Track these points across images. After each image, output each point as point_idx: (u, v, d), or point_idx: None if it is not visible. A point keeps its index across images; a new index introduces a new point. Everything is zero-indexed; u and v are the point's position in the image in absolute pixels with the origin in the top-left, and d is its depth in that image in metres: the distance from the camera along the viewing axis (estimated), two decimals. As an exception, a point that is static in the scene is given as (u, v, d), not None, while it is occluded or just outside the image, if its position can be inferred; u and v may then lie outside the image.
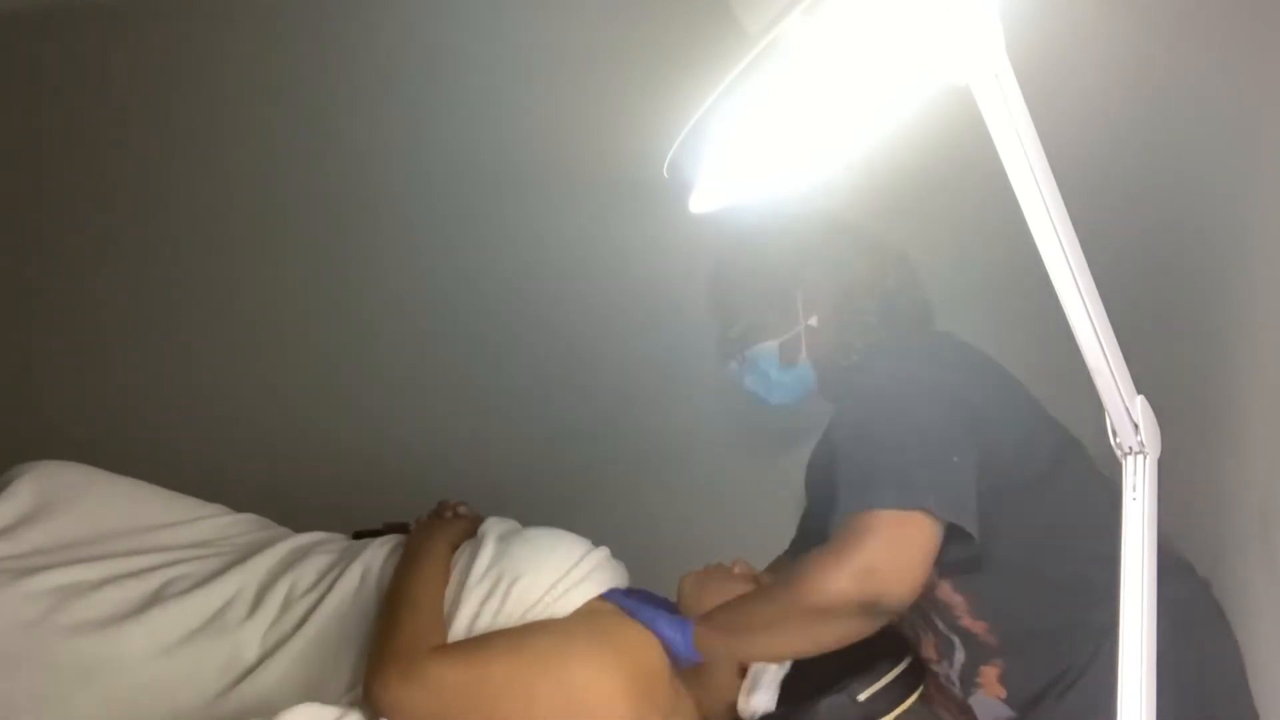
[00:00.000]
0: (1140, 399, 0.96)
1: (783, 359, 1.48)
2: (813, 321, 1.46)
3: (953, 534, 1.23)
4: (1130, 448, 0.96)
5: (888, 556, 1.19)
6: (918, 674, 1.41)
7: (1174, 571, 1.32)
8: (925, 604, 1.35)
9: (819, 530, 1.31)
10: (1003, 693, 1.35)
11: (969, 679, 1.38)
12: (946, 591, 1.33)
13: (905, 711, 1.37)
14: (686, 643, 1.36)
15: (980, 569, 1.30)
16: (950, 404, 1.29)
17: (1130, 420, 0.95)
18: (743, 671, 1.40)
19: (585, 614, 1.41)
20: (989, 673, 1.35)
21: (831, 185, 1.28)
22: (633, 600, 1.45)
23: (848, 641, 1.30)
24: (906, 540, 1.20)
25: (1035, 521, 1.32)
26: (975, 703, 1.39)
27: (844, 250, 1.50)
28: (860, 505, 1.21)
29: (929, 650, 1.41)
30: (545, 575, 1.41)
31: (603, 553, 1.50)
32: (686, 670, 1.43)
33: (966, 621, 1.33)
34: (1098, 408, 0.98)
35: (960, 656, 1.36)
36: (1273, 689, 1.33)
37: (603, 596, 1.45)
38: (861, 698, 1.34)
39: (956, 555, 1.26)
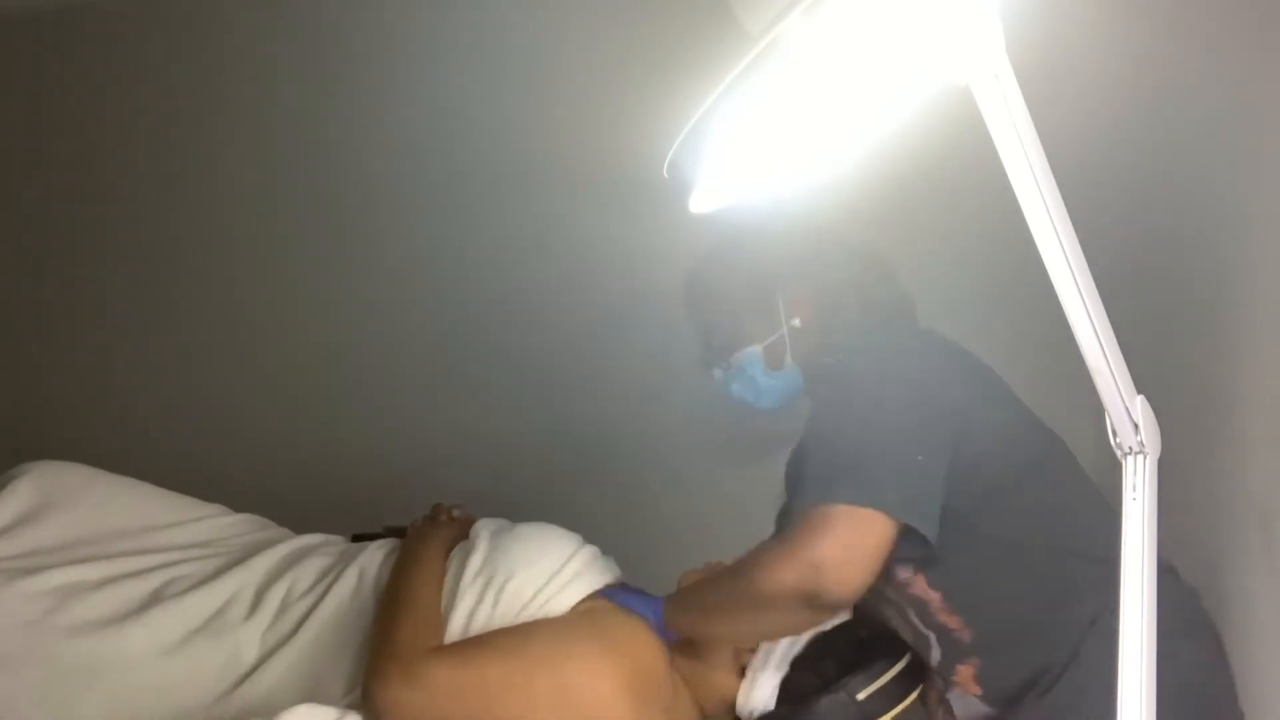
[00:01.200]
0: (1140, 399, 0.96)
1: (768, 363, 1.49)
2: (795, 323, 1.47)
3: (915, 532, 1.23)
4: (1130, 448, 0.96)
5: (836, 552, 1.19)
6: (917, 674, 1.41)
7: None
8: (901, 600, 1.36)
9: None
10: (978, 690, 1.35)
11: (945, 676, 1.38)
12: (922, 587, 1.33)
13: (904, 711, 1.37)
14: (658, 620, 1.40)
15: (950, 564, 1.30)
16: (925, 401, 1.29)
17: (1130, 420, 0.95)
18: (742, 670, 1.41)
19: (583, 613, 1.42)
20: (964, 671, 1.35)
21: (832, 185, 1.29)
22: (619, 592, 1.47)
23: (793, 632, 1.35)
24: (857, 537, 1.20)
25: (1013, 519, 1.31)
26: (954, 699, 1.40)
27: (821, 250, 1.50)
28: (817, 498, 1.22)
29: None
30: (537, 574, 1.42)
31: (591, 551, 1.50)
32: (685, 668, 1.43)
33: (942, 617, 1.33)
34: (1098, 408, 0.98)
35: (936, 654, 1.37)
36: (1273, 690, 1.33)
37: (600, 594, 1.45)
38: (860, 697, 1.34)
39: (923, 552, 1.26)
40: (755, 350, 1.48)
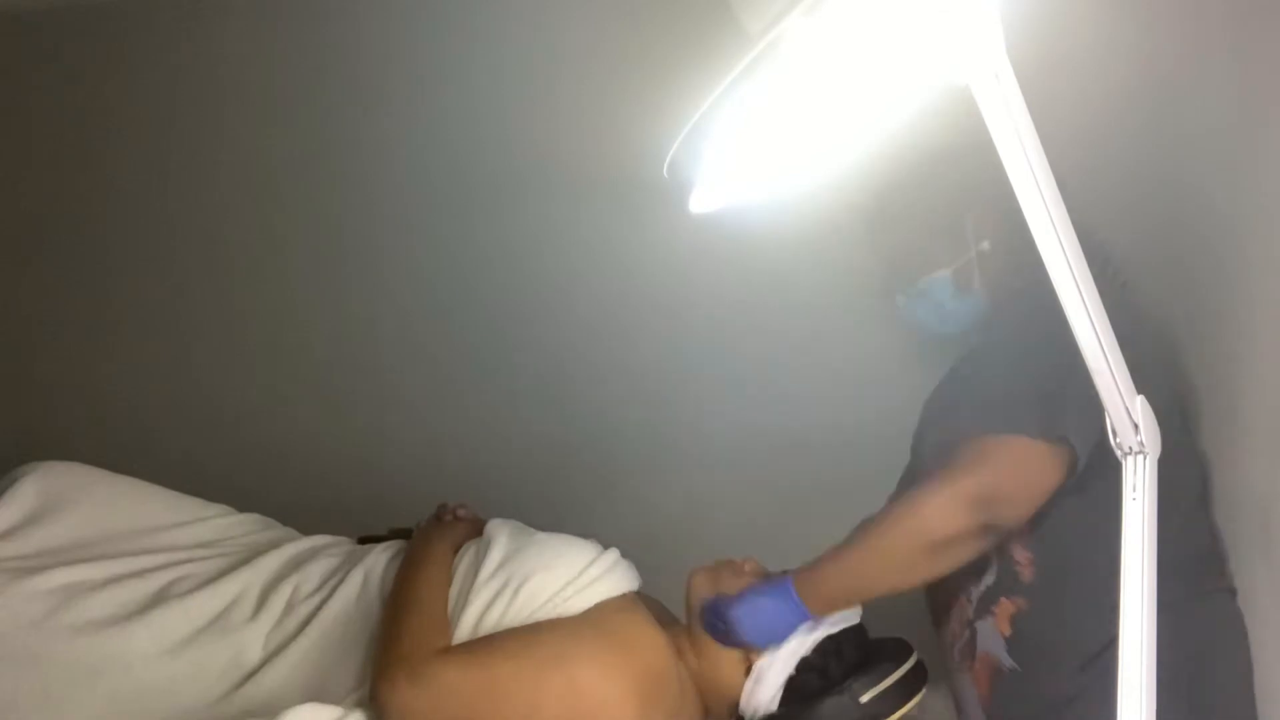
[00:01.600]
0: (1140, 399, 0.96)
1: (957, 286, 1.46)
2: (984, 246, 1.44)
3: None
4: (1130, 448, 0.96)
5: (1009, 483, 1.19)
6: (920, 676, 1.40)
7: (1187, 572, 1.31)
8: None
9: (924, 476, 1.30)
10: (1008, 631, 1.34)
11: (986, 604, 1.37)
12: None
13: (907, 714, 1.37)
14: (794, 605, 1.33)
15: (1054, 507, 1.28)
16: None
17: (1130, 420, 0.95)
18: (748, 670, 1.40)
19: (593, 614, 1.41)
20: (1006, 606, 1.34)
21: (832, 185, 1.29)
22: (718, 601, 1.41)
23: (967, 560, 1.30)
24: (1036, 468, 1.20)
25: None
26: (981, 628, 1.38)
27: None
28: (998, 428, 1.20)
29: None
30: (557, 575, 1.41)
31: (613, 555, 1.49)
32: (692, 668, 1.43)
33: (1015, 549, 1.32)
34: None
35: (989, 579, 1.36)
36: (1273, 690, 1.33)
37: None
38: (864, 699, 1.34)
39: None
40: (945, 275, 1.46)
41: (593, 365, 2.16)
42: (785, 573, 1.38)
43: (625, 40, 1.92)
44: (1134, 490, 0.96)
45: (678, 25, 1.66)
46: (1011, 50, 0.80)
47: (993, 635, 1.36)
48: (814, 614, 1.34)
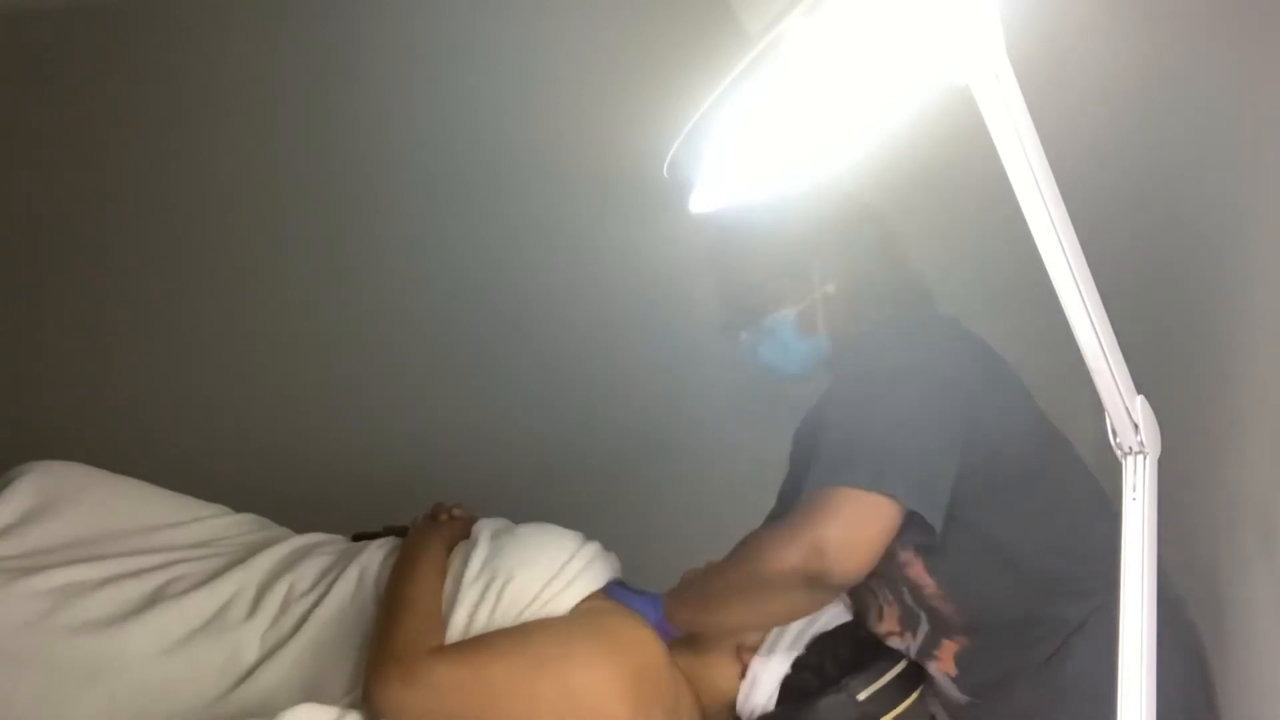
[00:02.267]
0: (1140, 399, 0.96)
1: (801, 327, 1.47)
2: (830, 289, 1.45)
3: (921, 518, 1.23)
4: (1130, 448, 0.96)
5: (841, 535, 1.19)
6: (917, 674, 1.41)
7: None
8: (897, 580, 1.36)
9: (791, 499, 1.32)
10: (954, 671, 1.36)
11: (928, 651, 1.38)
12: (919, 572, 1.33)
13: (904, 712, 1.37)
14: (658, 617, 1.40)
15: (950, 555, 1.30)
16: (943, 389, 1.29)
17: (1130, 420, 0.95)
18: (743, 670, 1.40)
19: (586, 612, 1.41)
20: (948, 647, 1.35)
21: (832, 185, 1.29)
22: (619, 590, 1.47)
23: (796, 616, 1.35)
24: (864, 521, 1.20)
25: (1017, 513, 1.32)
26: (930, 672, 1.40)
27: (857, 221, 1.48)
28: (830, 480, 1.22)
29: (891, 623, 1.41)
30: (538, 574, 1.42)
31: (594, 547, 1.50)
32: (687, 668, 1.43)
33: (936, 602, 1.34)
34: (1098, 407, 0.98)
35: (924, 629, 1.37)
36: (1274, 691, 1.33)
37: (600, 594, 1.45)
38: (861, 697, 1.34)
39: (926, 538, 1.26)
40: (789, 314, 1.46)
41: (592, 365, 2.16)
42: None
43: (625, 40, 1.92)
44: (1134, 490, 0.96)
45: (678, 25, 1.66)
46: (1011, 50, 0.80)
47: (941, 678, 1.38)
48: (673, 625, 1.40)
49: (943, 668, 1.37)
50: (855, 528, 1.20)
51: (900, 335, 1.38)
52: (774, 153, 0.95)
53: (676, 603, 1.40)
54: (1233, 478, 1.47)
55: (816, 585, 1.22)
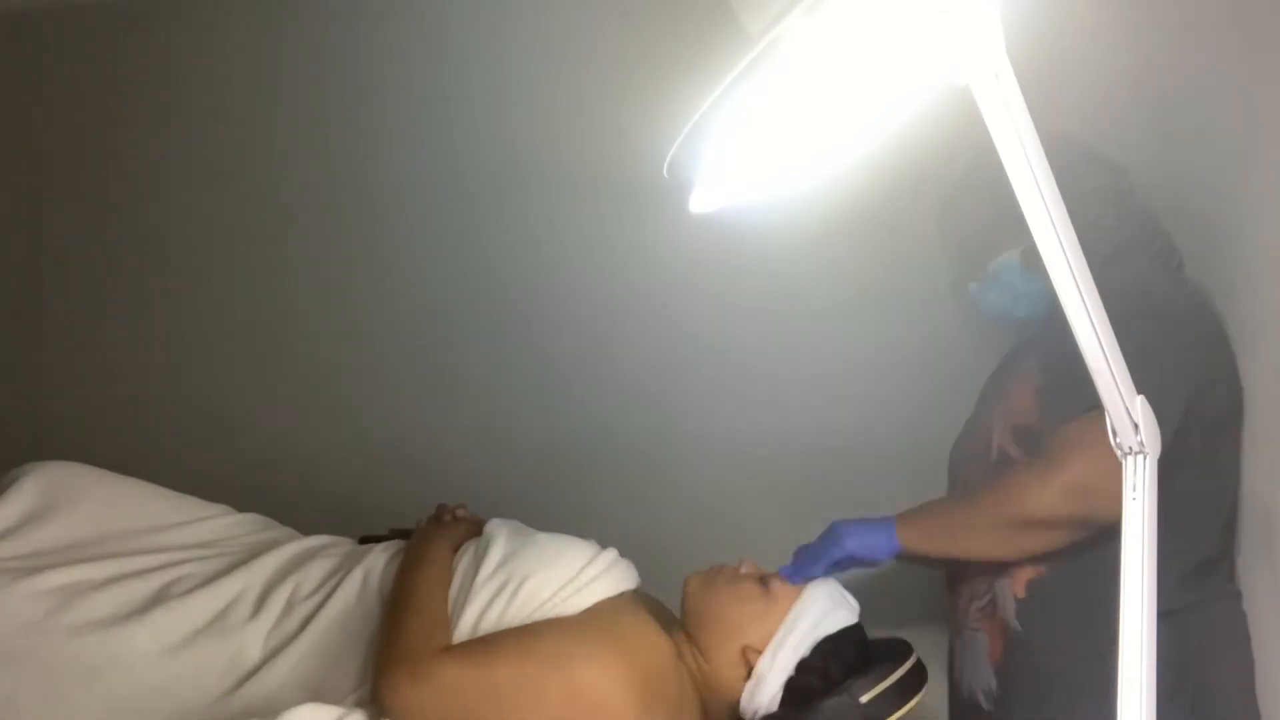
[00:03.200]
0: (1140, 399, 0.96)
1: (1026, 264, 1.47)
2: None
3: None
4: (1130, 448, 0.96)
5: (1101, 472, 1.17)
6: (920, 676, 1.40)
7: (1194, 577, 1.32)
8: None
9: (969, 454, 1.35)
10: (1022, 594, 1.36)
11: (1005, 567, 1.39)
12: None
13: (907, 714, 1.37)
14: (890, 539, 1.39)
15: None
16: (1187, 330, 1.29)
17: (1130, 420, 0.95)
18: (748, 671, 1.41)
19: (594, 613, 1.41)
20: (1026, 569, 1.37)
21: (832, 185, 1.28)
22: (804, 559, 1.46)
23: (1054, 548, 1.33)
24: (1112, 453, 1.20)
25: (1178, 474, 1.28)
26: (998, 587, 1.41)
27: (1075, 157, 1.49)
28: (1080, 409, 1.20)
29: None
30: (556, 575, 1.41)
31: (611, 554, 1.49)
32: (692, 668, 1.43)
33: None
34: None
35: None
36: (1274, 691, 1.33)
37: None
38: (864, 699, 1.34)
39: None
40: (1012, 254, 1.47)
41: (593, 365, 2.16)
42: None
43: (625, 40, 1.92)
44: (1134, 490, 0.96)
45: (678, 25, 1.66)
46: (1011, 50, 0.80)
47: (1006, 598, 1.38)
48: (903, 545, 1.39)
49: (1014, 587, 1.37)
50: (1108, 460, 1.20)
51: (1147, 276, 1.38)
52: (774, 153, 0.95)
53: (912, 527, 1.39)
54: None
55: (1087, 525, 1.23)
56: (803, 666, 1.39)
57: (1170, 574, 1.16)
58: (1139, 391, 1.14)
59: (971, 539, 1.36)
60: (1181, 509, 1.28)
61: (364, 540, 1.66)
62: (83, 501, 1.53)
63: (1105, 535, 1.29)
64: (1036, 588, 1.35)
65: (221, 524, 1.62)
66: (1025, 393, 1.42)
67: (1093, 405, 1.17)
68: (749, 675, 1.41)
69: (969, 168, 1.52)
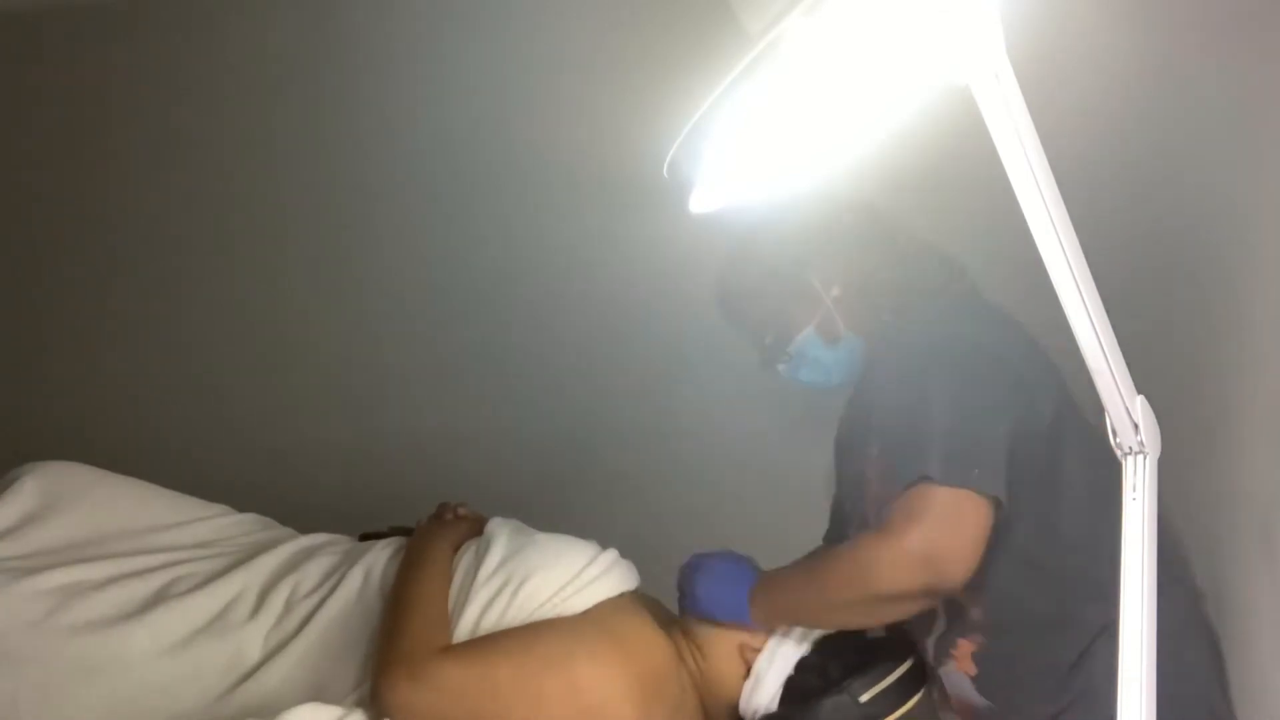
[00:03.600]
0: (1140, 399, 0.96)
1: (825, 339, 1.46)
2: (835, 292, 1.44)
3: None
4: (1130, 448, 0.96)
5: (948, 540, 1.18)
6: (919, 675, 1.40)
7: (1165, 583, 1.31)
8: None
9: (850, 511, 1.33)
10: (973, 670, 1.34)
11: (944, 649, 1.36)
12: None
13: (906, 714, 1.37)
14: (739, 609, 1.38)
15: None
16: (990, 364, 1.28)
17: (1130, 420, 0.95)
18: (747, 670, 1.41)
19: (594, 614, 1.41)
20: (965, 646, 1.34)
21: (832, 185, 1.29)
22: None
23: (906, 616, 1.33)
24: (966, 520, 1.19)
25: (1047, 506, 1.30)
26: (945, 674, 1.38)
27: (836, 217, 1.47)
28: (915, 477, 1.20)
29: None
30: (556, 576, 1.41)
31: (612, 554, 1.49)
32: (692, 668, 1.43)
33: (959, 597, 1.32)
34: (1097, 407, 0.98)
35: (940, 626, 1.36)
36: (1274, 691, 1.33)
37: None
38: (863, 699, 1.34)
39: None
40: (809, 332, 1.46)
41: (593, 365, 2.16)
42: (760, 571, 1.42)
43: (625, 40, 1.92)
44: (1134, 490, 0.96)
45: (678, 25, 1.65)
46: (1011, 50, 0.80)
47: (957, 678, 1.36)
48: (753, 620, 1.39)
49: (961, 667, 1.35)
50: (959, 529, 1.19)
51: (933, 315, 1.37)
52: (774, 153, 0.95)
53: (764, 606, 1.38)
54: (1233, 477, 1.47)
55: (932, 594, 1.23)
56: (801, 665, 1.39)
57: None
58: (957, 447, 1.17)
59: (833, 615, 1.35)
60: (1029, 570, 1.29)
61: (364, 537, 1.66)
62: (82, 501, 1.53)
63: (1017, 574, 1.29)
64: (984, 658, 1.33)
65: (221, 524, 1.62)
66: (877, 477, 1.40)
67: (924, 475, 1.19)
68: (748, 674, 1.41)
69: (741, 243, 1.50)
